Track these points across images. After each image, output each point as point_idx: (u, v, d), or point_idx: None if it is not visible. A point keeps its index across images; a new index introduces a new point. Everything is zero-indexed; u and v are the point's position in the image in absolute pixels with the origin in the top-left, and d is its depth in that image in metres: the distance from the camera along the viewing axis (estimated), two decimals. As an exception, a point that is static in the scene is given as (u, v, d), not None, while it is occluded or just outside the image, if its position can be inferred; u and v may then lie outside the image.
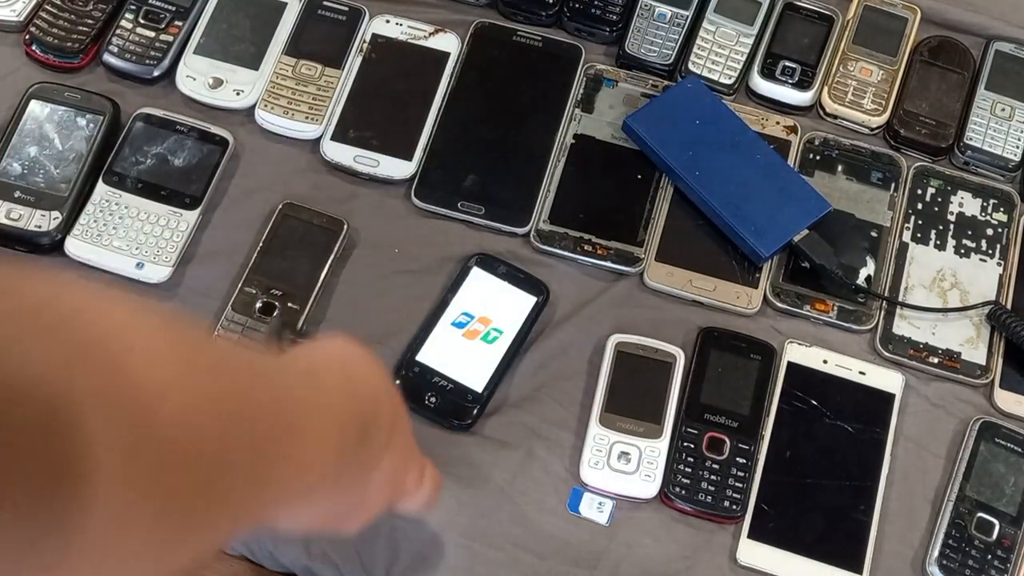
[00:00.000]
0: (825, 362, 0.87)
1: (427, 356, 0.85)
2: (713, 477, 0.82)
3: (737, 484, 0.82)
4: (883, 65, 0.99)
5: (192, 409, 0.39)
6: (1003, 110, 0.98)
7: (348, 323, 0.88)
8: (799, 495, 0.83)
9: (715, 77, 0.98)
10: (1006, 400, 0.87)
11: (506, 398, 0.86)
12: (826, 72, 0.98)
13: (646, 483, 0.82)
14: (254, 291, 0.87)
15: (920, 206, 0.94)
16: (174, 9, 0.99)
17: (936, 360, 0.88)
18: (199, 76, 0.97)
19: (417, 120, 0.95)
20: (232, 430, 0.42)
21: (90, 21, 0.98)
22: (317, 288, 0.87)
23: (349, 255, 0.91)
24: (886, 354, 0.88)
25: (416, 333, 0.86)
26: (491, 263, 0.89)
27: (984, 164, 0.96)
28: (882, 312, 0.90)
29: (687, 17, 1.00)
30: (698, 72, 0.98)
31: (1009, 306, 0.90)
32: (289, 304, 0.87)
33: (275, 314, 0.86)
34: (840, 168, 0.95)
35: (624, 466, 0.82)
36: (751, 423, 0.84)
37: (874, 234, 0.93)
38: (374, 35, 0.99)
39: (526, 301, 0.87)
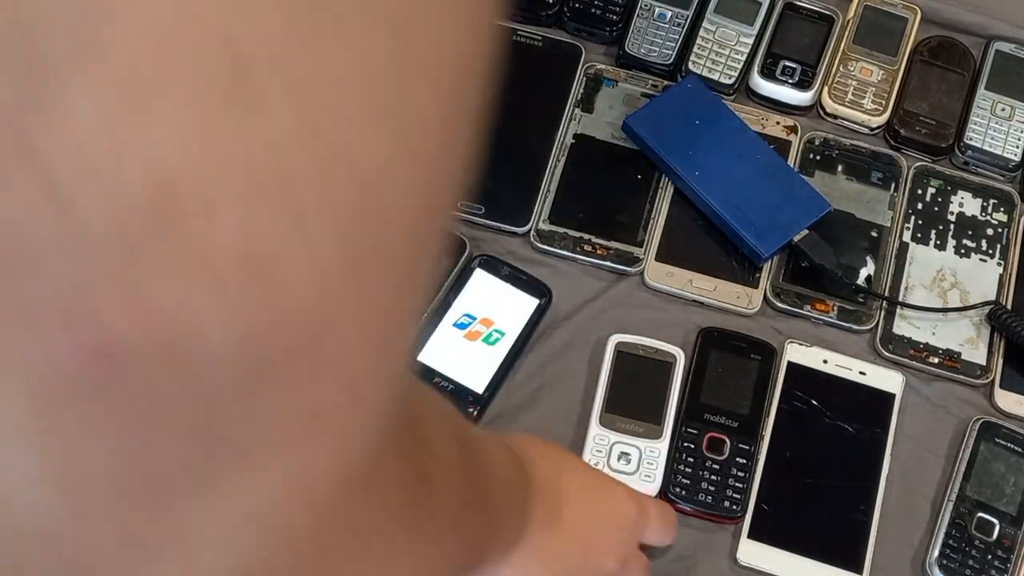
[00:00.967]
0: (825, 362, 0.87)
1: (428, 357, 0.85)
2: (713, 477, 0.82)
3: (737, 484, 0.82)
4: (883, 65, 0.99)
5: None
6: (1003, 110, 0.98)
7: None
8: (799, 495, 0.83)
9: (715, 77, 0.98)
10: (1006, 400, 0.87)
11: (505, 398, 0.86)
12: (826, 72, 0.98)
13: (646, 483, 0.82)
14: None
15: (920, 206, 0.94)
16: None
17: (936, 360, 0.88)
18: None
19: (417, 120, 0.95)
20: None
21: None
22: None
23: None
24: (886, 354, 0.88)
25: (417, 334, 0.86)
26: (494, 264, 0.89)
27: (984, 164, 0.96)
28: (882, 312, 0.90)
29: (687, 17, 1.00)
30: (698, 72, 0.98)
31: (1009, 306, 0.90)
32: None
33: None
34: (840, 168, 0.95)
35: (624, 466, 0.82)
36: (751, 423, 0.84)
37: (874, 234, 0.93)
38: (374, 35, 0.99)
39: (528, 303, 0.87)
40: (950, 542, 0.81)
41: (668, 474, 0.82)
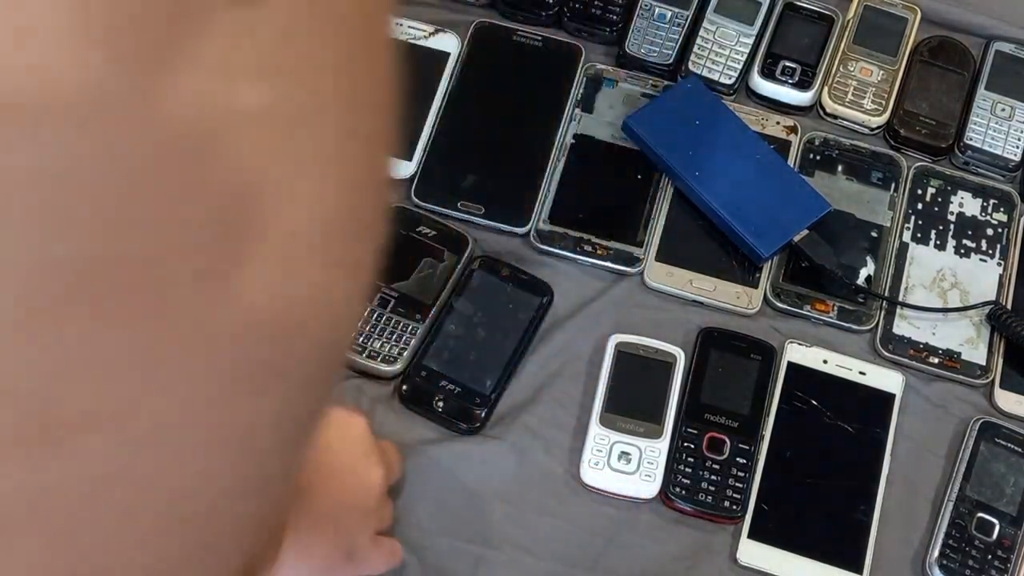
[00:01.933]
0: (825, 362, 0.87)
1: (434, 360, 0.85)
2: (713, 477, 0.82)
3: (737, 484, 0.82)
4: (883, 65, 0.99)
5: None
6: (1003, 110, 0.98)
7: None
8: (799, 495, 0.83)
9: (715, 77, 0.98)
10: (1006, 400, 0.87)
11: (506, 398, 0.86)
12: (826, 72, 0.98)
13: (646, 483, 0.82)
14: None
15: (920, 206, 0.94)
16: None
17: (936, 360, 0.88)
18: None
19: (417, 120, 0.95)
20: None
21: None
22: None
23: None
24: (886, 354, 0.88)
25: (422, 337, 0.86)
26: (494, 265, 0.89)
27: (984, 164, 0.96)
28: (882, 312, 0.90)
29: (687, 17, 1.00)
30: (698, 72, 0.98)
31: (1009, 306, 0.90)
32: None
33: None
34: (840, 168, 0.95)
35: (624, 466, 0.82)
36: (751, 423, 0.84)
37: (874, 234, 0.93)
38: (374, 35, 0.99)
39: (530, 303, 0.88)
40: (950, 542, 0.81)
41: (668, 474, 0.82)
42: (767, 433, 0.84)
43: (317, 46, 0.26)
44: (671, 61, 0.98)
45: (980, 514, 0.82)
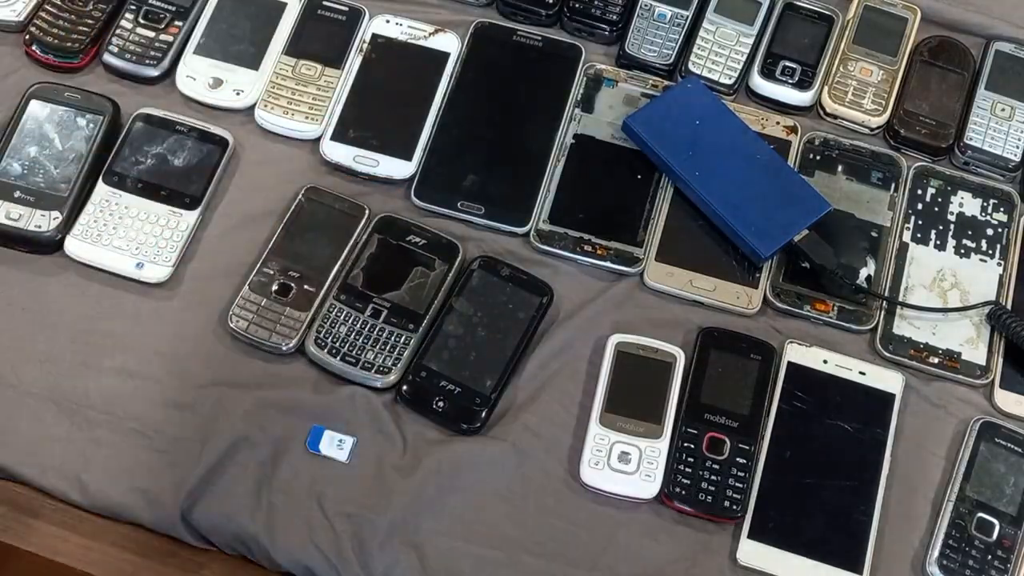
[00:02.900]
0: (825, 362, 0.87)
1: (434, 360, 0.85)
2: (713, 477, 0.82)
3: (737, 484, 0.82)
4: (883, 65, 0.99)
5: None
6: (1003, 110, 0.98)
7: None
8: (799, 495, 0.83)
9: (715, 77, 0.98)
10: (1006, 400, 0.87)
11: (506, 398, 0.86)
12: (826, 72, 0.98)
13: (646, 483, 0.82)
14: (272, 272, 0.88)
15: (920, 206, 0.94)
16: (174, 9, 0.99)
17: (936, 360, 0.88)
18: (199, 76, 0.97)
19: (417, 120, 0.95)
20: None
21: (90, 21, 0.98)
22: (334, 273, 0.88)
23: (349, 255, 0.91)
24: (886, 354, 0.88)
25: (415, 346, 0.86)
26: (494, 265, 0.89)
27: (984, 164, 0.96)
28: (882, 312, 0.90)
29: (687, 17, 1.00)
30: (698, 72, 0.98)
31: (1009, 306, 0.90)
32: (305, 287, 0.87)
33: (291, 295, 0.86)
34: (840, 168, 0.95)
35: (624, 466, 0.82)
36: (751, 423, 0.84)
37: (874, 234, 0.93)
38: (374, 35, 0.99)
39: (530, 303, 0.88)
40: (950, 542, 0.81)
41: (668, 474, 0.82)
42: (767, 433, 0.84)
43: None
44: (671, 61, 0.98)
45: (980, 514, 0.82)
